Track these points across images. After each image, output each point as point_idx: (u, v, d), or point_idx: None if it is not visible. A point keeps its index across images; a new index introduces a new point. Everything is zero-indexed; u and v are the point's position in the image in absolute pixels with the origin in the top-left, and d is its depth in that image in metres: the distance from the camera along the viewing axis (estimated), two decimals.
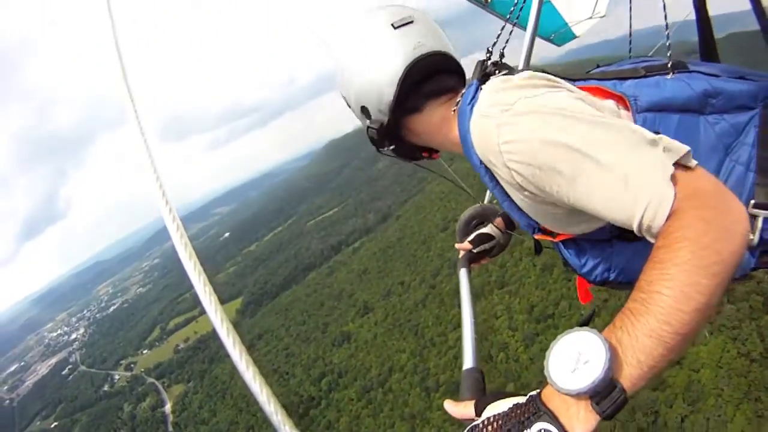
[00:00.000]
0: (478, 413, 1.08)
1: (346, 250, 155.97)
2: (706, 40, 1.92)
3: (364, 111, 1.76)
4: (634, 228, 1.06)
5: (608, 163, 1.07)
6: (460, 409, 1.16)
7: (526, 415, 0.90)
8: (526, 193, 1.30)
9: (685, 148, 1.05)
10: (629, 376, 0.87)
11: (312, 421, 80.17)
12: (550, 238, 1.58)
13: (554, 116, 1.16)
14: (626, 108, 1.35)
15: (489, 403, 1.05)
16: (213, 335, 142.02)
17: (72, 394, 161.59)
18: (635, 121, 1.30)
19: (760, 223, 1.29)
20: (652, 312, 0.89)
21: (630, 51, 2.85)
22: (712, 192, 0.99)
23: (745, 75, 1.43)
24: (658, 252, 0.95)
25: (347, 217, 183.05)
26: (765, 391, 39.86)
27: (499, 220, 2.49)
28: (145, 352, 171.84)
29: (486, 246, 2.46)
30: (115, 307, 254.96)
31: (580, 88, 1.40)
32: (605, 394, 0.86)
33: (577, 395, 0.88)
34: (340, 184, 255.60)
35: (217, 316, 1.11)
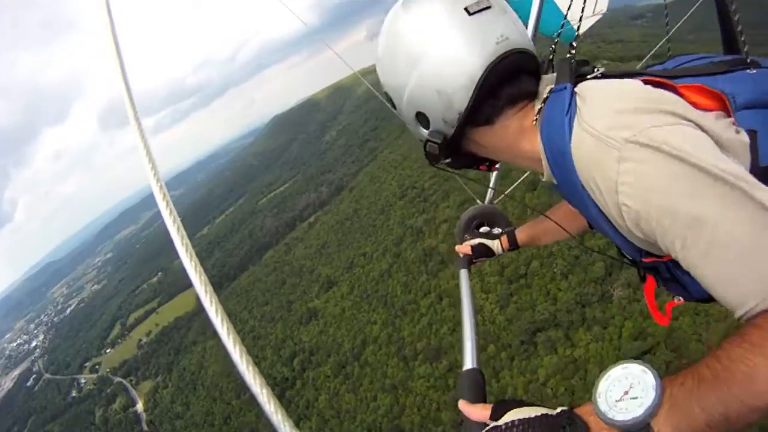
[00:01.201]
0: (496, 417, 1.03)
1: (301, 226, 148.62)
2: (729, 35, 1.71)
3: (421, 118, 1.39)
4: (736, 315, 0.95)
5: (736, 242, 0.93)
6: (477, 410, 1.09)
7: (560, 424, 0.88)
8: (633, 231, 1.12)
9: None
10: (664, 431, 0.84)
11: (290, 403, 76.22)
12: (658, 260, 1.32)
13: (683, 166, 0.98)
14: (724, 110, 1.19)
15: (510, 409, 1.01)
16: (175, 325, 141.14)
17: (40, 404, 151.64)
18: (735, 122, 1.16)
19: None
20: (716, 388, 0.83)
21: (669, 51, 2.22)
22: None
23: None
24: (753, 332, 0.86)
25: (299, 192, 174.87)
26: None
27: (504, 240, 2.31)
28: (108, 351, 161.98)
29: (483, 259, 2.35)
30: (71, 308, 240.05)
31: (683, 86, 1.22)
32: None
33: (611, 425, 0.86)
34: (288, 160, 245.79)
35: (217, 317, 1.08)
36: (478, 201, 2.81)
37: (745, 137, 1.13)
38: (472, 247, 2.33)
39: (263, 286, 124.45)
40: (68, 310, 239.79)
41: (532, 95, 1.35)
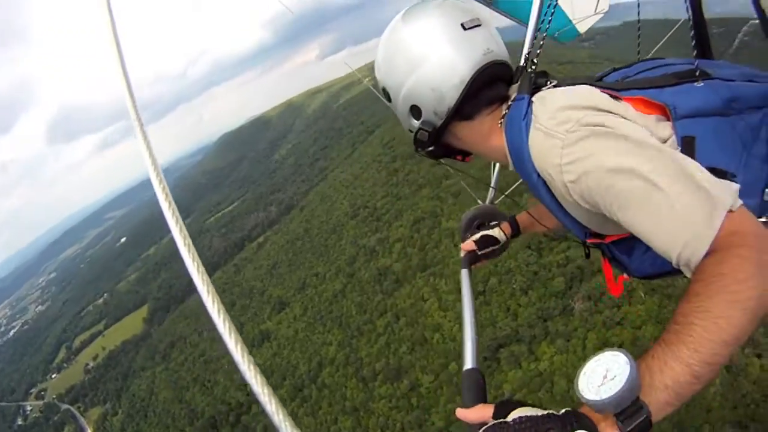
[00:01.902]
0: (500, 417, 1.01)
1: (251, 246, 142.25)
2: (702, 40, 1.86)
3: (414, 111, 1.65)
4: (673, 261, 1.09)
5: (659, 195, 1.09)
6: (478, 411, 1.08)
7: (568, 421, 0.87)
8: (581, 206, 1.32)
9: (734, 189, 1.08)
10: (655, 400, 0.88)
11: (246, 429, 72.58)
12: (600, 240, 1.56)
13: (617, 141, 1.19)
14: (666, 117, 1.38)
15: (513, 409, 1.00)
16: (122, 349, 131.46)
17: None
18: (674, 129, 1.35)
19: None
20: (683, 341, 0.90)
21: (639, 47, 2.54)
22: (751, 233, 1.00)
23: (753, 77, 1.48)
24: (694, 286, 0.97)
25: (248, 212, 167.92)
26: None
27: (505, 226, 2.41)
28: (54, 376, 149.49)
29: (489, 249, 2.36)
30: (15, 330, 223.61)
31: (627, 99, 1.42)
32: (630, 414, 0.86)
33: (603, 411, 0.87)
34: (237, 178, 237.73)
35: (217, 313, 1.08)
36: (479, 201, 2.85)
37: (676, 146, 1.31)
38: (476, 241, 2.35)
39: None
40: (12, 332, 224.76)
41: (504, 99, 1.60)
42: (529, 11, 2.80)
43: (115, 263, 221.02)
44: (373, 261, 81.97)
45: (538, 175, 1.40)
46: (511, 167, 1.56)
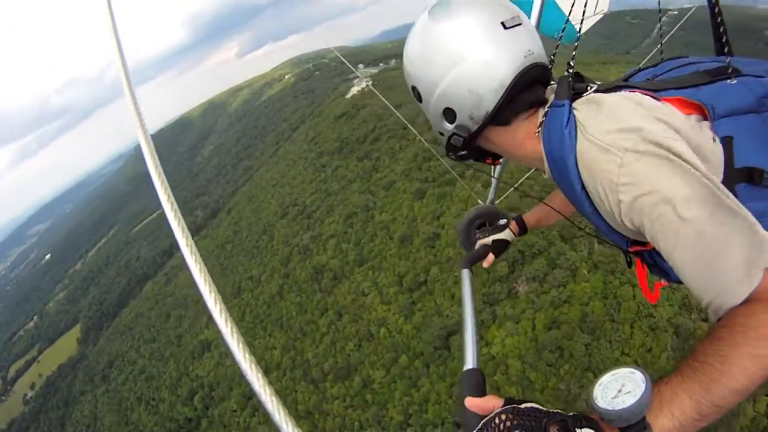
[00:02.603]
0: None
1: (179, 253, 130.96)
2: (719, 34, 1.74)
3: (448, 113, 1.49)
4: (702, 304, 1.08)
5: (705, 240, 1.04)
6: (488, 401, 1.02)
7: (577, 419, 0.88)
8: (624, 223, 1.24)
9: None
10: (660, 425, 0.89)
11: None
12: (642, 248, 1.43)
13: (677, 171, 1.10)
14: (704, 116, 1.31)
15: (522, 404, 0.97)
16: (59, 374, 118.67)
17: None
18: (713, 129, 1.28)
19: None
20: (697, 378, 0.91)
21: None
22: None
23: None
24: (719, 331, 0.97)
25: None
26: (655, 308, 40.46)
27: (513, 225, 2.33)
28: None
29: (504, 253, 2.32)
30: None
31: (665, 99, 1.33)
32: (635, 431, 0.87)
33: (612, 422, 0.88)
34: None
35: (221, 317, 1.04)
36: (480, 201, 2.78)
37: (719, 147, 1.26)
38: (490, 246, 2.28)
39: (147, 322, 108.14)
40: None
41: (542, 103, 1.45)
42: (529, 12, 2.60)
43: (42, 282, 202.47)
44: (308, 259, 77.34)
45: (582, 187, 1.30)
46: (547, 175, 1.43)
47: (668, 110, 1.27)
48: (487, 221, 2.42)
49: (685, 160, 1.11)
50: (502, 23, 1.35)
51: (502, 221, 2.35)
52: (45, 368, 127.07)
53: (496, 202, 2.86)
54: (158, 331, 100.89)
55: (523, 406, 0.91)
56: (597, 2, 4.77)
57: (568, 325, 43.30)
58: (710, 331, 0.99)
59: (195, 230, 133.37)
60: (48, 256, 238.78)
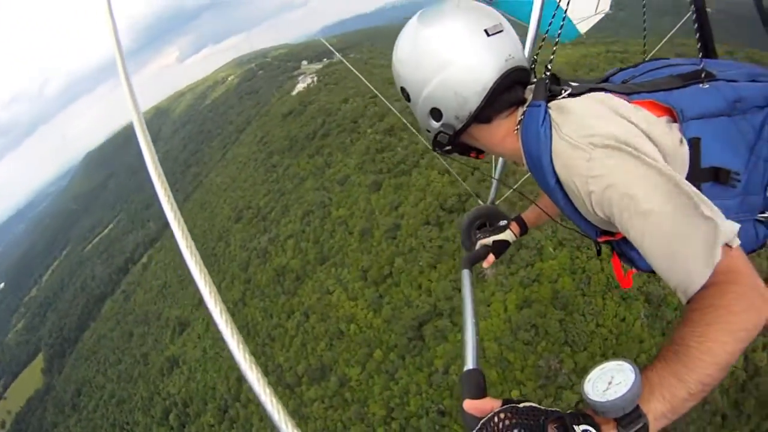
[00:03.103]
0: None
1: (136, 268, 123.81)
2: (705, 39, 1.81)
3: (434, 113, 1.56)
4: (671, 286, 1.13)
5: (668, 226, 1.11)
6: (486, 403, 1.01)
7: (574, 416, 0.87)
8: (596, 213, 1.30)
9: (734, 230, 1.09)
10: (653, 410, 0.90)
11: None
12: (610, 238, 1.49)
13: (638, 165, 1.18)
14: (674, 119, 1.36)
15: (520, 404, 0.96)
16: (29, 408, 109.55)
17: None
18: (682, 131, 1.34)
19: None
20: (680, 360, 0.94)
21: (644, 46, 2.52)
22: (745, 272, 1.04)
23: (756, 77, 1.46)
24: (692, 314, 1.01)
25: (126, 232, 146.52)
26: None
27: (514, 226, 2.33)
28: None
29: (504, 253, 2.31)
30: None
31: (637, 102, 1.39)
32: (630, 420, 0.87)
33: (606, 414, 0.87)
34: (108, 199, 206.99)
35: (216, 309, 1.02)
36: (480, 201, 2.79)
37: (685, 147, 1.31)
38: (490, 246, 2.28)
39: (111, 343, 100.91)
40: None
41: (521, 102, 1.53)
42: (529, 11, 2.64)
43: None
44: (267, 262, 73.48)
45: (557, 180, 1.36)
46: (526, 168, 1.50)
47: (633, 110, 1.33)
48: (488, 221, 2.40)
49: (645, 155, 1.18)
50: (485, 30, 1.42)
51: (503, 222, 2.30)
52: (13, 404, 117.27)
53: (496, 202, 2.79)
54: (123, 351, 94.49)
55: (521, 405, 0.91)
56: (598, 2, 4.60)
57: (539, 303, 42.45)
58: (683, 315, 1.04)
59: (149, 242, 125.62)
60: (1, 285, 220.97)
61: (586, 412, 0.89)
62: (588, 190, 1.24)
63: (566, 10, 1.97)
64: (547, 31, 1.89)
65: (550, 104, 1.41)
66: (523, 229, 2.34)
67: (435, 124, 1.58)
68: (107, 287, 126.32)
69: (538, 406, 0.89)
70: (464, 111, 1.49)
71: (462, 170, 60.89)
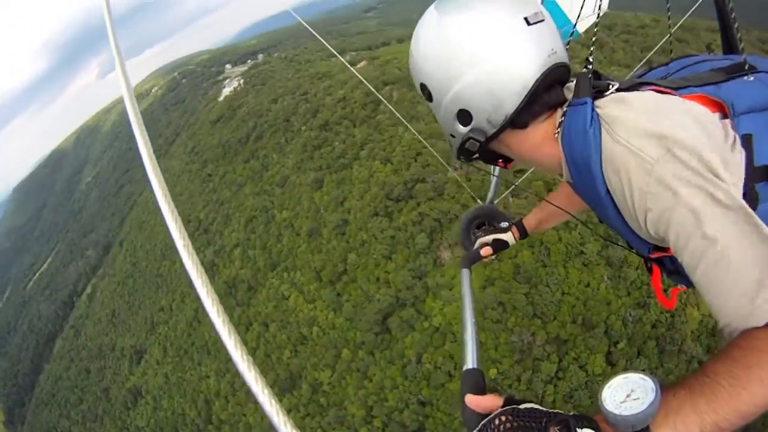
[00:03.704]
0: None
1: (81, 301, 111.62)
2: (728, 34, 1.63)
3: (462, 115, 1.30)
4: (719, 323, 1.00)
5: (729, 260, 0.96)
6: (489, 400, 0.96)
7: (578, 419, 0.82)
8: (649, 231, 1.13)
9: None
10: None
11: None
12: (664, 254, 1.33)
13: (703, 184, 1.01)
14: (724, 114, 1.19)
15: (522, 403, 0.91)
16: None
17: None
18: (734, 127, 1.17)
19: None
20: (705, 395, 0.85)
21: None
22: None
23: None
24: (734, 350, 0.90)
25: (65, 264, 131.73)
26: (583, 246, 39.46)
27: (514, 230, 2.19)
28: None
29: (500, 252, 2.19)
30: None
31: (687, 96, 1.21)
32: None
33: (616, 426, 0.82)
34: (43, 231, 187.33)
35: (215, 310, 0.99)
36: (479, 201, 2.70)
37: (740, 149, 1.14)
38: (489, 243, 2.16)
39: (69, 383, 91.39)
40: None
41: (562, 104, 1.29)
42: None
43: None
44: (216, 275, 67.60)
45: (607, 191, 1.17)
46: (565, 178, 1.29)
47: (700, 110, 1.15)
48: (487, 221, 2.32)
49: (715, 174, 1.02)
50: (525, 18, 1.19)
51: (504, 224, 2.23)
52: None
53: (495, 201, 2.65)
54: (83, 390, 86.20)
55: (522, 406, 0.87)
56: (597, 2, 4.08)
57: (502, 280, 40.85)
58: (724, 348, 0.93)
59: (91, 271, 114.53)
60: None
61: (592, 417, 0.84)
62: (644, 207, 1.07)
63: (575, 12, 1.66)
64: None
65: (597, 102, 1.18)
66: (523, 233, 2.17)
67: (462, 129, 1.32)
68: (55, 325, 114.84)
69: (540, 408, 0.85)
70: (499, 114, 1.25)
71: (404, 158, 58.49)
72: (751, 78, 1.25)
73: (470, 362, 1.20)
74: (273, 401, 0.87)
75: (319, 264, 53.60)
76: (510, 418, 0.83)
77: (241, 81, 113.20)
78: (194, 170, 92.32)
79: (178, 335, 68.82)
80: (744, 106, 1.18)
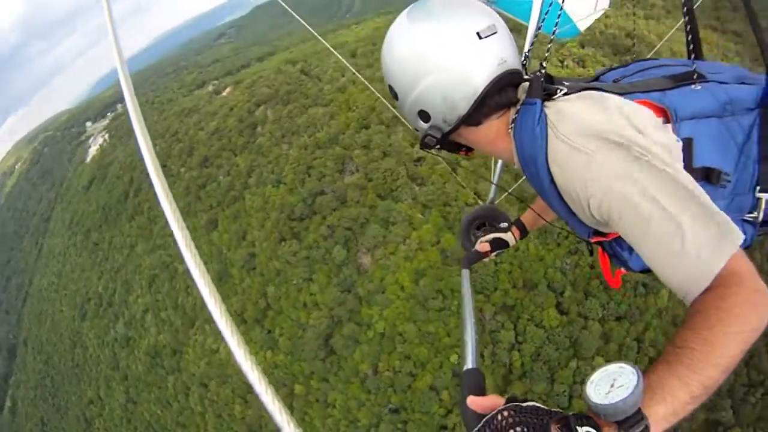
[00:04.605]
0: None
1: (4, 417, 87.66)
2: (694, 39, 1.60)
3: (422, 114, 1.39)
4: (673, 289, 1.02)
5: (673, 227, 0.99)
6: (490, 400, 0.91)
7: (576, 418, 0.79)
8: (594, 216, 1.18)
9: (739, 234, 1.00)
10: (654, 413, 0.81)
11: None
12: (603, 238, 1.38)
13: (642, 166, 1.05)
14: (667, 119, 1.26)
15: (524, 402, 0.87)
16: None
17: None
18: (675, 131, 1.24)
19: (763, 204, 1.30)
20: (682, 362, 0.86)
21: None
22: (748, 274, 0.96)
23: (744, 79, 1.37)
24: (694, 316, 0.93)
25: None
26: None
27: (514, 230, 2.18)
28: None
29: (500, 251, 2.16)
30: None
31: (634, 101, 1.27)
32: (632, 423, 0.78)
33: (608, 417, 0.78)
34: None
35: (218, 310, 0.96)
36: (479, 201, 2.64)
37: (680, 148, 1.20)
38: (490, 242, 2.13)
39: None
40: None
41: (513, 103, 1.37)
42: (529, 10, 2.47)
43: None
44: (136, 349, 57.91)
45: (551, 181, 1.23)
46: (517, 167, 1.36)
47: (633, 107, 1.21)
48: (487, 221, 2.25)
49: (650, 153, 1.06)
50: (478, 33, 1.25)
51: (504, 224, 2.18)
52: None
53: (496, 201, 2.57)
54: None
55: (524, 404, 0.83)
56: (597, 1, 4.24)
57: (432, 268, 38.10)
58: (685, 317, 0.95)
59: (3, 381, 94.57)
60: None
61: (588, 414, 0.81)
62: (587, 195, 1.12)
63: (561, 7, 1.65)
64: (540, 27, 1.65)
65: (546, 103, 1.26)
66: (523, 232, 2.17)
67: (423, 125, 1.41)
68: None
69: (542, 406, 0.81)
70: (453, 115, 1.33)
71: (297, 175, 51.94)
72: (698, 87, 1.29)
73: (470, 362, 1.16)
74: (276, 400, 0.83)
75: (239, 306, 46.48)
76: (512, 413, 0.80)
77: (106, 136, 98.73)
78: (79, 242, 78.13)
79: (115, 425, 58.33)
80: (686, 112, 1.23)
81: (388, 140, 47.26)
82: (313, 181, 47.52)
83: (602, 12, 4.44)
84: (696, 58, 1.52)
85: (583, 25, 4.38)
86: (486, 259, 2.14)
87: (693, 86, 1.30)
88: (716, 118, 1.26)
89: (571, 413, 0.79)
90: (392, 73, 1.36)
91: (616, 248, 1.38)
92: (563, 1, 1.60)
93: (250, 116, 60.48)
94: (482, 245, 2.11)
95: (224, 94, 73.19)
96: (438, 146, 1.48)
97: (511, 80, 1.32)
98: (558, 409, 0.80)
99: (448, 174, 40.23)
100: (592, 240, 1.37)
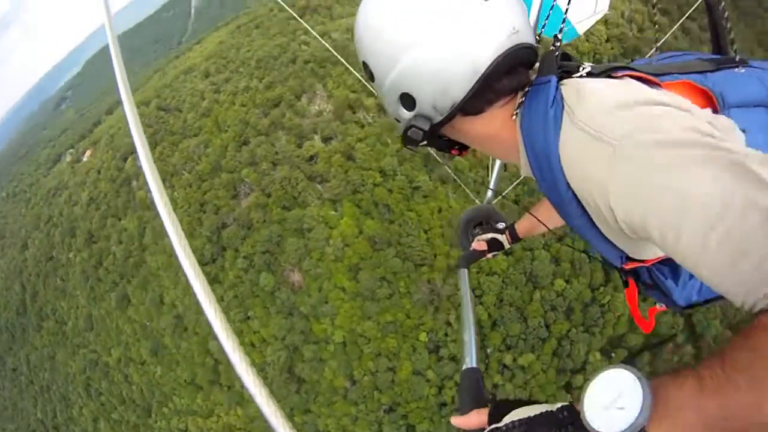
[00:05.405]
0: (494, 421, 0.74)
1: None
2: (717, 33, 1.24)
3: (405, 99, 0.96)
4: (731, 298, 0.64)
5: (735, 222, 0.60)
6: (474, 418, 0.76)
7: (563, 422, 0.64)
8: (621, 226, 0.77)
9: None
10: None
11: None
12: (639, 264, 1.02)
13: (676, 149, 0.67)
14: (712, 107, 0.90)
15: (509, 411, 0.73)
16: None
17: None
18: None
19: None
20: (717, 397, 0.56)
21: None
22: None
23: None
24: (758, 334, 0.57)
25: None
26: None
27: (507, 234, 1.92)
28: None
29: (496, 252, 1.98)
30: None
31: (669, 83, 0.91)
32: None
33: None
34: None
35: (214, 313, 0.86)
36: (477, 201, 2.49)
37: (742, 138, 0.85)
38: (487, 241, 1.95)
39: None
40: None
41: (524, 87, 0.96)
42: (528, 10, 1.89)
43: None
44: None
45: (568, 186, 0.84)
46: (524, 170, 0.96)
47: (669, 96, 0.83)
48: (484, 221, 2.10)
49: (700, 133, 0.69)
50: None
51: (501, 224, 2.03)
52: None
53: (493, 202, 2.42)
54: None
55: (502, 423, 0.70)
56: (597, 2, 3.84)
57: (365, 259, 34.50)
58: (746, 329, 0.59)
59: None
60: None
61: (578, 408, 0.63)
62: (609, 201, 0.73)
63: (566, 11, 1.20)
64: (541, 30, 1.25)
65: (563, 81, 0.89)
66: (515, 239, 1.91)
67: (406, 114, 0.98)
68: None
69: (523, 417, 0.68)
70: (446, 100, 0.92)
71: (191, 217, 44.55)
72: (743, 70, 0.96)
73: (469, 361, 1.05)
74: (270, 401, 0.77)
75: (188, 374, 39.89)
76: None
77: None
78: None
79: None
80: (734, 98, 0.89)
81: (273, 149, 42.26)
82: (211, 216, 40.78)
83: (602, 14, 4.00)
84: (719, 53, 1.17)
85: (582, 28, 3.92)
86: (483, 258, 1.94)
87: (737, 69, 0.96)
88: (764, 108, 0.90)
89: (558, 407, 0.66)
90: (366, 45, 0.96)
91: (658, 276, 0.99)
92: (566, 10, 1.18)
93: (121, 173, 51.92)
94: (479, 244, 1.92)
95: (85, 159, 63.01)
96: (425, 142, 1.04)
97: (524, 58, 0.93)
98: (543, 411, 0.67)
99: (348, 162, 35.72)
100: (626, 267, 0.99)
